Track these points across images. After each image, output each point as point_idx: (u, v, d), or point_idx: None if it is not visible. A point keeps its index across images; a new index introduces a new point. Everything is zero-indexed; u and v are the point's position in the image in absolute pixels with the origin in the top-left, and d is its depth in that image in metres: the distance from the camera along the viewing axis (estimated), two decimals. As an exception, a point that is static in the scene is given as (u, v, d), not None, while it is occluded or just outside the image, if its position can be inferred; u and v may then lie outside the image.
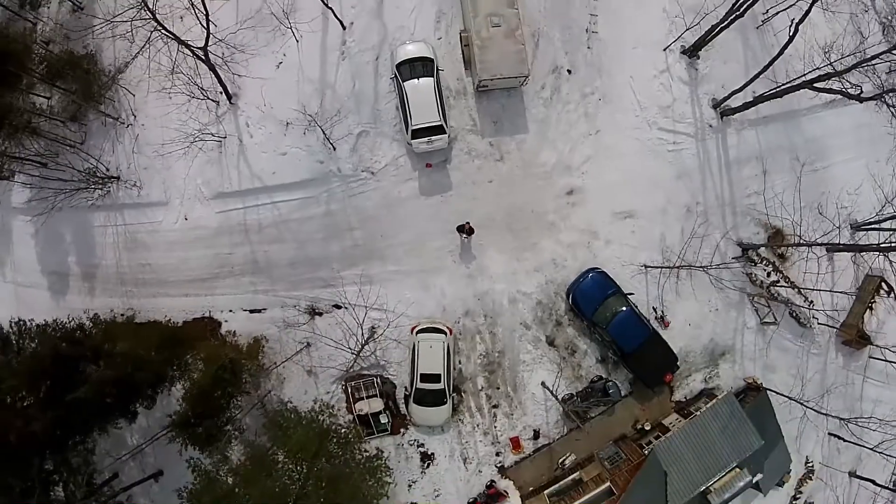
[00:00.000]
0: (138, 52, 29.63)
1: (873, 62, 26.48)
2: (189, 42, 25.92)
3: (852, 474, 36.67)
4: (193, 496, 24.21)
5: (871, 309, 35.25)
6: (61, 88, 31.48)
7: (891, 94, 26.79)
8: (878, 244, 31.32)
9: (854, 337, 34.70)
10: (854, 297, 35.45)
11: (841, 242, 33.49)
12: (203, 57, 25.59)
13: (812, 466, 36.04)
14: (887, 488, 36.01)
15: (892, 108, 27.29)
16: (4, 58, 28.45)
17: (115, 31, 28.34)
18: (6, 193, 32.77)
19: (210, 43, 25.86)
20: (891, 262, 32.78)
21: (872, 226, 34.38)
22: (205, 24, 24.51)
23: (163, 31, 24.67)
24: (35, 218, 32.01)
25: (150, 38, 27.43)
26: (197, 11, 24.28)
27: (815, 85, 26.28)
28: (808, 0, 24.13)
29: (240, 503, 22.44)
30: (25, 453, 25.74)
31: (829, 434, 35.88)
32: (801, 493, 36.02)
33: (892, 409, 35.44)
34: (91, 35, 31.50)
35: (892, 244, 30.64)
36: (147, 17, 24.37)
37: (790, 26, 26.02)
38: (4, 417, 24.97)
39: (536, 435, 30.35)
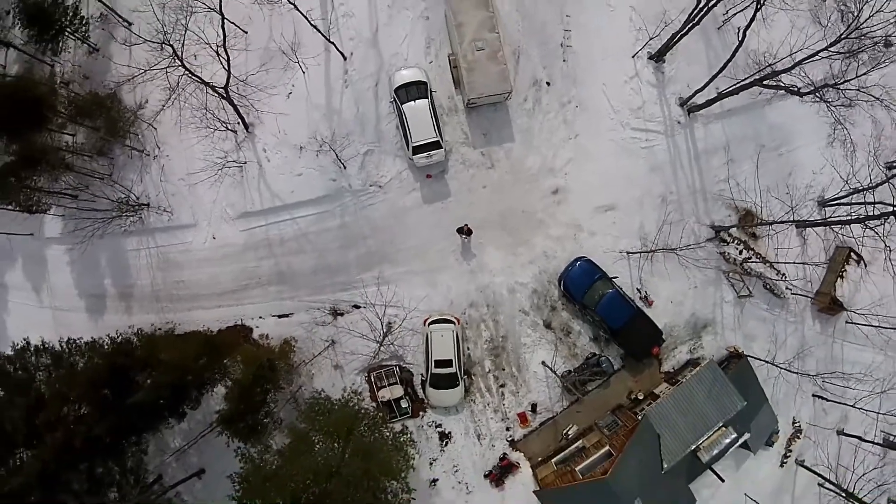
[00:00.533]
0: (171, 99, 33.50)
1: (822, 56, 30.68)
2: (211, 83, 30.13)
3: (840, 432, 40.42)
4: (244, 479, 28.21)
5: (842, 277, 39.26)
6: (88, 126, 35.67)
7: (826, 89, 30.82)
8: (849, 216, 35.38)
9: (828, 304, 38.71)
10: (826, 267, 39.87)
11: (808, 219, 37.74)
12: (225, 95, 29.62)
13: (799, 426, 39.76)
14: (873, 443, 39.39)
15: (825, 102, 31.19)
16: (35, 102, 32.74)
17: (146, 78, 32.18)
18: (40, 225, 37.00)
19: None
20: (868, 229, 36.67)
21: (837, 201, 38.68)
22: (226, 67, 28.55)
23: (192, 76, 28.72)
24: (70, 246, 36.27)
25: (179, 82, 31.39)
26: (221, 58, 28.34)
27: (764, 83, 30.47)
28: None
29: (286, 480, 26.43)
30: (88, 456, 29.91)
31: (814, 396, 39.88)
32: (790, 451, 39.76)
33: (870, 369, 39.04)
34: (112, 76, 35.80)
35: (859, 216, 34.82)
36: (177, 64, 28.50)
37: (739, 31, 30.18)
38: (69, 424, 29.10)
39: (534, 408, 34.42)
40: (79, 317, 36.79)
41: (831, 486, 38.73)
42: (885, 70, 34.56)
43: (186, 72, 28.24)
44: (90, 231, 34.17)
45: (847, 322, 39.72)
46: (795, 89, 28.50)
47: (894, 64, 35.76)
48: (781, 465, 39.20)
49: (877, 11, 30.68)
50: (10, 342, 33.68)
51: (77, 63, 36.82)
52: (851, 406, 38.37)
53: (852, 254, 39.57)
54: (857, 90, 31.33)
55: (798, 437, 40.02)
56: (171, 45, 27.49)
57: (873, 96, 32.44)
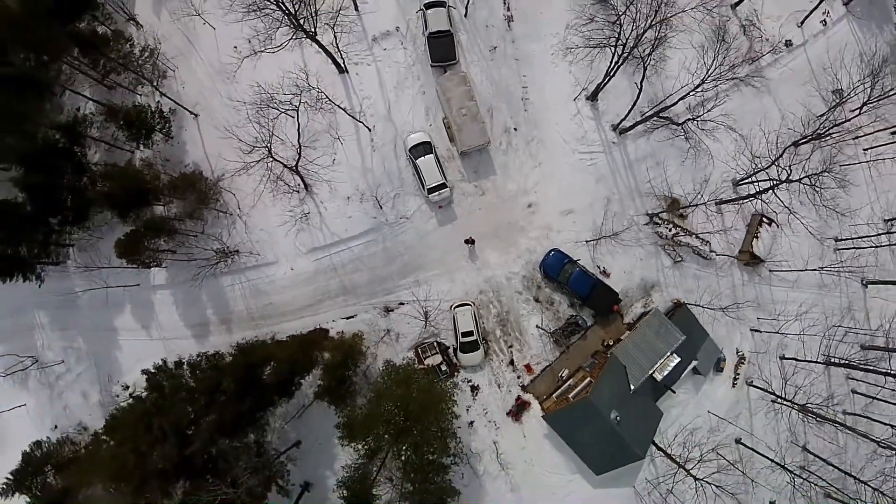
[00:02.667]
0: (263, 183, 48.83)
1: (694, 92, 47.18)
2: (286, 163, 46.74)
3: (782, 357, 56.47)
4: (345, 425, 44.57)
5: (756, 237, 55.64)
6: (181, 198, 52.07)
7: (692, 121, 47.42)
8: (754, 193, 51.33)
9: (748, 259, 55.29)
10: (746, 231, 56.11)
11: (719, 198, 54.19)
12: (296, 170, 46.37)
13: (742, 355, 55.38)
14: (810, 361, 54.90)
15: (685, 135, 48.16)
16: (145, 188, 49.23)
17: (240, 168, 48.48)
18: (146, 277, 53.10)
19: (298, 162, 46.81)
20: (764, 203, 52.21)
21: (746, 181, 54.99)
22: (299, 152, 45.19)
23: (284, 165, 45.32)
24: (173, 290, 52.78)
25: (269, 166, 46.95)
26: (298, 150, 45.05)
27: (659, 115, 47.31)
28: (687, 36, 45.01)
29: (375, 419, 42.66)
30: (238, 428, 46.14)
31: (752, 330, 56.19)
32: (738, 374, 55.32)
33: (797, 305, 55.25)
34: (188, 156, 51.57)
35: (761, 190, 50.57)
36: (267, 155, 45.07)
37: (639, 82, 46.83)
38: (223, 406, 45.48)
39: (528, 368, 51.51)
40: (187, 342, 52.38)
41: (783, 401, 53.63)
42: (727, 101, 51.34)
43: (275, 160, 44.87)
44: (200, 275, 50.26)
45: (769, 271, 56.68)
46: (672, 119, 45.47)
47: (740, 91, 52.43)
48: (733, 386, 54.86)
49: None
50: (127, 371, 51.01)
51: (157, 150, 52.25)
52: (776, 332, 54.88)
53: (764, 218, 56.35)
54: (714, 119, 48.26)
55: (743, 363, 55.49)
56: (269, 147, 43.92)
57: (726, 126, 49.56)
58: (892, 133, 58.77)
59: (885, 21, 60.11)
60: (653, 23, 42.07)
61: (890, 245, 57.72)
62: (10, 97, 45.38)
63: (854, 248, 56.80)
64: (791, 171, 48.80)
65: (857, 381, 57.76)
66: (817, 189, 47.98)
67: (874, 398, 56.64)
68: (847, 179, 51.63)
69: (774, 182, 48.81)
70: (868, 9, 59.19)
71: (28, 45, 46.00)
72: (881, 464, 55.30)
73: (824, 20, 59.81)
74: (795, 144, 55.34)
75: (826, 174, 47.54)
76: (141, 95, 52.46)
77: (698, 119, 46.26)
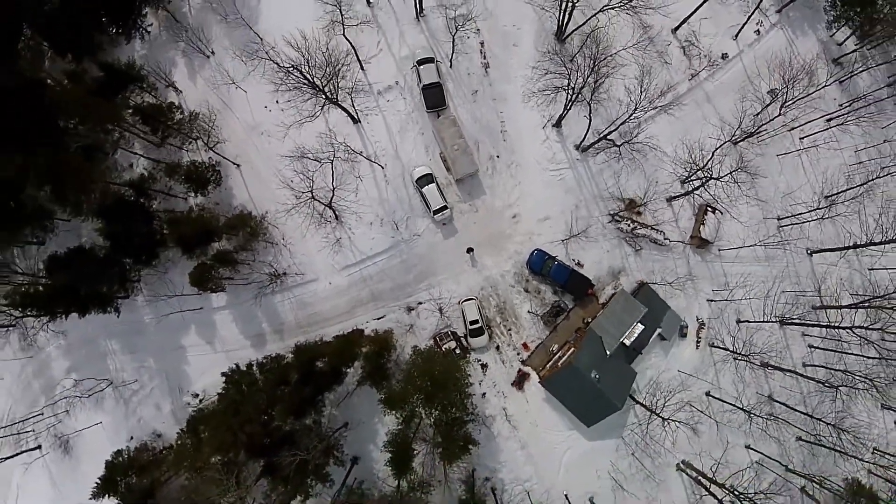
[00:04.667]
0: (307, 218, 64.10)
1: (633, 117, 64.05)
2: (323, 201, 63.16)
3: (739, 321, 72.62)
4: (386, 399, 60.69)
5: (703, 224, 71.65)
6: (236, 234, 68.62)
7: (624, 144, 63.88)
8: (692, 189, 68.47)
9: (698, 242, 71.79)
10: (694, 219, 72.53)
11: (672, 195, 70.90)
12: (331, 207, 63.11)
13: (702, 321, 70.59)
14: (762, 322, 69.39)
15: (618, 155, 65.10)
16: (209, 229, 65.95)
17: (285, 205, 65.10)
18: (206, 301, 69.75)
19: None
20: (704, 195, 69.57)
21: (688, 180, 71.59)
22: (332, 192, 61.60)
23: (319, 202, 61.93)
24: (231, 310, 69.48)
25: (312, 206, 62.82)
26: (331, 189, 61.58)
27: (606, 138, 64.14)
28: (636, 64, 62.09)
29: (409, 390, 58.71)
30: (302, 410, 62.51)
31: (708, 300, 72.91)
32: (700, 338, 70.68)
33: (747, 277, 70.57)
34: (235, 199, 68.45)
35: (695, 186, 67.44)
36: (309, 196, 61.64)
37: (588, 115, 63.77)
38: (290, 395, 62.02)
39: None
40: (246, 351, 67.71)
41: (742, 357, 68.18)
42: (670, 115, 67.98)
43: (317, 200, 61.49)
44: (259, 295, 66.67)
45: (720, 250, 72.82)
46: (614, 143, 62.58)
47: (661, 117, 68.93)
48: (696, 348, 70.16)
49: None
50: (195, 381, 66.30)
51: (209, 196, 68.73)
52: (728, 300, 71.30)
53: (708, 208, 72.72)
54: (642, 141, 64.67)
55: (703, 328, 70.66)
56: (311, 192, 60.33)
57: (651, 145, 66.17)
58: (828, 120, 73.96)
59: (816, 21, 75.80)
60: (591, 72, 58.94)
61: (825, 218, 72.30)
62: (81, 162, 60.00)
63: (794, 224, 71.74)
64: (720, 169, 65.74)
65: (813, 337, 72.91)
66: (737, 182, 64.88)
67: (819, 348, 71.89)
68: (759, 173, 67.73)
69: (704, 179, 65.69)
70: (801, 11, 74.61)
71: (93, 119, 61.19)
72: (836, 406, 69.83)
73: (758, 30, 75.84)
74: (735, 143, 72.17)
75: (741, 171, 64.41)
76: (187, 151, 68.23)
77: (631, 142, 63.21)
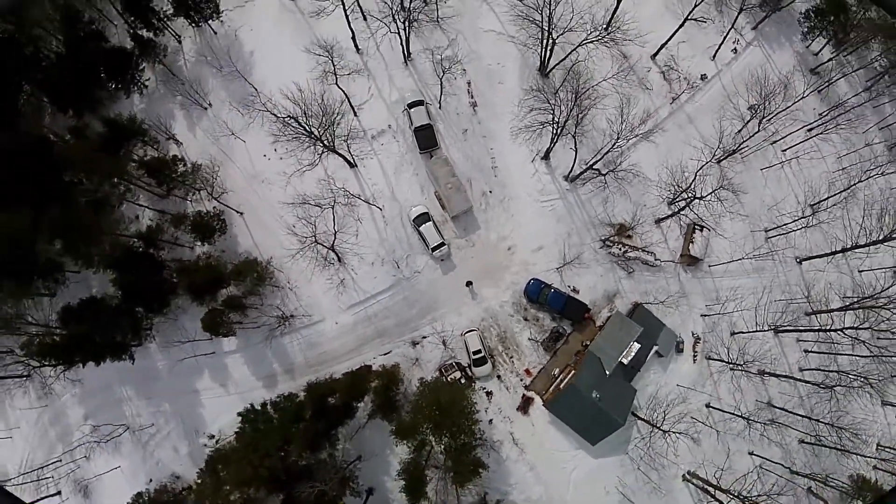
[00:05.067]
0: (312, 262, 67.43)
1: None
2: (327, 245, 66.63)
3: (733, 333, 75.83)
4: (396, 430, 64.02)
5: (692, 242, 75.19)
6: (243, 280, 72.15)
7: (609, 173, 67.66)
8: (677, 210, 71.81)
9: (688, 261, 75.14)
10: (683, 238, 75.93)
11: (659, 217, 74.49)
12: (334, 250, 66.72)
13: (698, 336, 73.89)
14: (756, 331, 72.15)
15: (604, 184, 68.90)
16: (217, 276, 69.50)
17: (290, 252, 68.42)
18: (219, 345, 73.48)
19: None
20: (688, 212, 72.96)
21: (675, 201, 75.24)
22: (334, 235, 65.30)
23: (322, 245, 65.59)
24: (241, 353, 72.81)
25: (317, 250, 66.20)
26: (333, 233, 65.13)
27: (591, 168, 67.89)
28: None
29: (418, 420, 62.08)
30: (317, 444, 65.64)
31: (702, 315, 76.42)
32: (696, 352, 73.75)
33: (738, 290, 73.64)
34: (240, 247, 71.93)
35: (681, 207, 70.84)
36: (313, 241, 65.20)
37: (574, 147, 67.53)
38: (304, 430, 65.22)
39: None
40: (259, 392, 70.42)
41: (738, 367, 70.66)
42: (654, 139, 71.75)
43: (320, 245, 65.00)
44: (269, 337, 69.91)
45: (710, 265, 76.46)
46: (599, 172, 66.40)
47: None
48: (694, 362, 73.03)
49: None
50: (210, 423, 68.95)
51: (215, 244, 72.93)
52: (721, 314, 74.41)
53: (696, 226, 76.17)
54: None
55: (699, 342, 73.63)
56: (315, 237, 63.74)
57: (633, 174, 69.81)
58: (809, 130, 76.59)
59: (792, 34, 78.95)
60: (574, 105, 62.69)
61: (810, 226, 74.38)
62: (91, 215, 63.35)
63: (781, 234, 74.40)
64: (703, 189, 69.25)
65: (807, 341, 75.46)
66: (720, 200, 68.47)
67: (814, 352, 74.70)
68: (741, 189, 71.26)
69: (689, 198, 69.24)
70: (776, 26, 77.91)
71: (99, 173, 64.69)
72: (832, 406, 72.26)
73: (735, 48, 79.43)
74: (718, 161, 75.70)
75: (723, 189, 68.05)
76: (192, 202, 71.83)
77: (615, 170, 67.01)
